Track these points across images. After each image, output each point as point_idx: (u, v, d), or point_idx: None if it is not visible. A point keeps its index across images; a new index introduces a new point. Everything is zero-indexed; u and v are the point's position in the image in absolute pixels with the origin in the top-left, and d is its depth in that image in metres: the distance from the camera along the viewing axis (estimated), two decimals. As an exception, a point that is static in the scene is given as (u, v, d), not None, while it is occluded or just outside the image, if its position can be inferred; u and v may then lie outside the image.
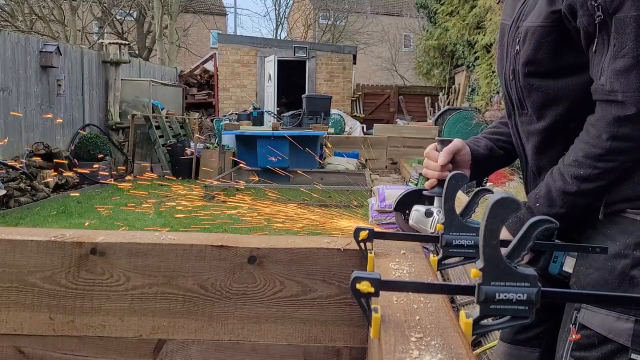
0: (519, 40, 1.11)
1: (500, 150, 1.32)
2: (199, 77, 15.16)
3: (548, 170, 1.10)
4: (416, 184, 6.52)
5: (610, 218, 1.03)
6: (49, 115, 8.25)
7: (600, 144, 0.99)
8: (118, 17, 18.32)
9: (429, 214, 1.15)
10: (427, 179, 1.21)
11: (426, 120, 14.03)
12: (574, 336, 1.04)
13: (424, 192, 1.19)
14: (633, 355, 0.96)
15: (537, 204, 1.07)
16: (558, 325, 1.14)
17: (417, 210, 1.17)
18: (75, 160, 8.44)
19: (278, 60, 13.17)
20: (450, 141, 1.20)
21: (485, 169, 1.33)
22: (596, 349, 1.01)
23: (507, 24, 1.19)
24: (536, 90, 1.10)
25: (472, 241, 0.96)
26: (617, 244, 1.00)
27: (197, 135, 10.17)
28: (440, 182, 1.16)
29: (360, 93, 16.60)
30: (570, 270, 1.08)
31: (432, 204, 1.17)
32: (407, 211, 1.20)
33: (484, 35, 10.50)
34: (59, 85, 8.67)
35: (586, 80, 1.04)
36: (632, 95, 0.93)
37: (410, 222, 1.18)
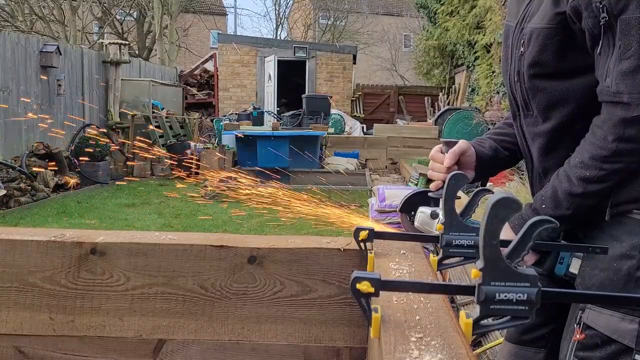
0: (523, 42, 1.11)
1: (505, 151, 1.32)
2: (199, 77, 15.16)
3: (554, 171, 1.10)
4: (416, 184, 6.51)
5: (616, 219, 1.03)
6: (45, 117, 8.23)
7: (606, 145, 0.98)
8: (118, 17, 18.32)
9: (434, 215, 1.15)
10: (429, 180, 1.21)
11: (426, 120, 14.02)
12: (578, 336, 1.04)
13: (430, 194, 1.19)
14: (637, 356, 0.96)
15: (543, 206, 1.07)
16: (564, 326, 1.14)
17: (423, 212, 1.17)
18: (75, 160, 8.44)
19: (278, 60, 13.17)
20: (455, 143, 1.20)
21: (490, 170, 1.33)
22: (600, 349, 1.01)
23: (511, 25, 1.18)
24: (541, 91, 1.10)
25: (472, 241, 0.96)
26: (623, 244, 1.00)
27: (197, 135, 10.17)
28: None
29: (360, 93, 16.59)
30: (576, 272, 1.08)
31: (437, 205, 1.17)
32: (412, 213, 1.20)
33: (483, 35, 10.49)
34: (59, 85, 8.67)
35: (591, 82, 1.03)
36: (638, 96, 0.93)
37: (416, 223, 1.18)
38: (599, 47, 0.99)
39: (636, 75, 0.93)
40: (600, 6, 0.95)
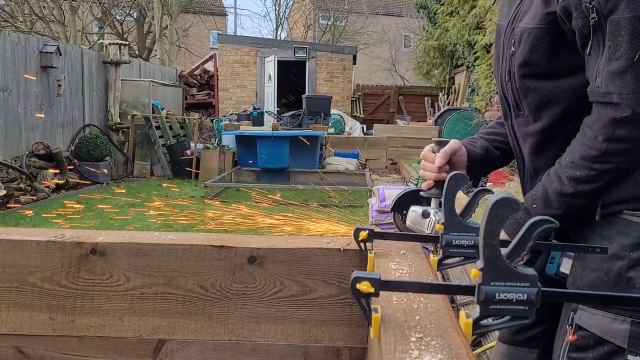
0: (514, 41, 1.11)
1: (496, 151, 1.32)
2: (199, 78, 15.16)
3: (545, 171, 1.10)
4: (416, 184, 6.51)
5: (606, 219, 1.03)
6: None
7: (597, 145, 0.99)
8: (118, 18, 18.32)
9: (425, 214, 1.15)
10: (425, 180, 1.21)
11: (426, 121, 14.03)
12: (570, 337, 1.04)
13: (421, 193, 1.19)
14: (629, 357, 0.96)
15: (534, 205, 1.07)
16: (557, 326, 1.14)
17: (414, 211, 1.17)
18: (75, 161, 8.44)
19: (278, 61, 13.17)
20: (446, 142, 1.21)
21: (482, 169, 1.33)
22: (592, 350, 1.01)
23: (503, 25, 1.19)
24: (532, 91, 1.10)
25: (472, 241, 0.96)
26: (614, 245, 1.00)
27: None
28: (437, 183, 1.17)
29: (360, 93, 16.60)
30: (567, 271, 1.08)
31: (429, 204, 1.17)
32: (404, 212, 1.20)
33: (483, 35, 10.49)
34: (59, 85, 8.67)
35: (582, 82, 1.03)
36: (628, 96, 0.93)
37: (407, 222, 1.18)
38: (589, 47, 0.99)
39: (626, 76, 0.93)
40: (590, 6, 0.95)
